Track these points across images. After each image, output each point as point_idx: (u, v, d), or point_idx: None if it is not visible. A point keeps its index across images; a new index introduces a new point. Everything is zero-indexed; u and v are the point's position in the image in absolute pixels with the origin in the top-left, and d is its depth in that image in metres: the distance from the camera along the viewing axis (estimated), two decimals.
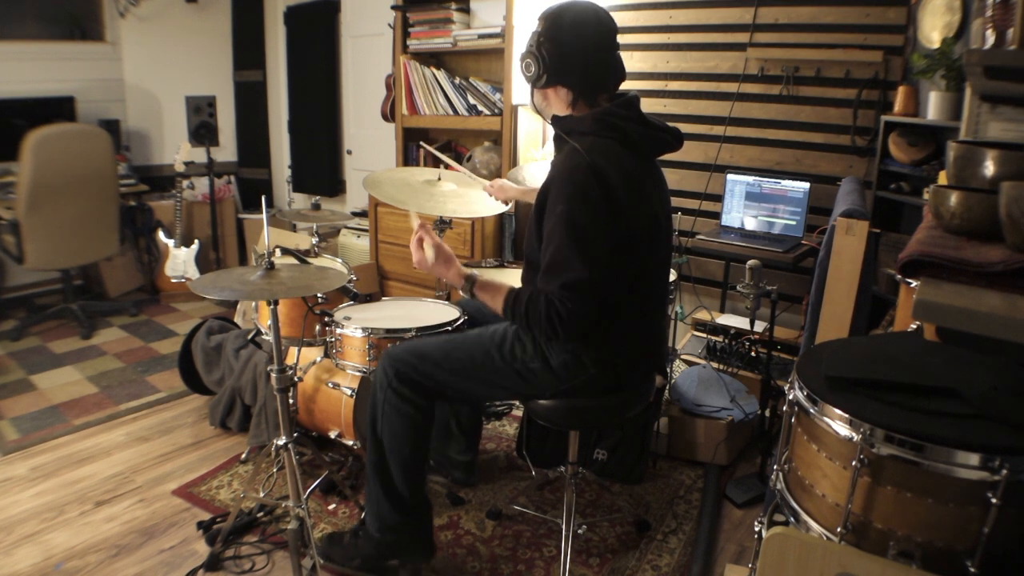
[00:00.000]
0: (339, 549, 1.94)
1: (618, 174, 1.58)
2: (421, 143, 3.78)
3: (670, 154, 1.77)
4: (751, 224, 3.18)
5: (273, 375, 1.85)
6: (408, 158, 3.96)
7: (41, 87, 4.20)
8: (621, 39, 1.70)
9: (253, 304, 2.66)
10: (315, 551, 1.90)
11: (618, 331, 1.70)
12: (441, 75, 3.71)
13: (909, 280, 1.18)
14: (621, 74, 1.72)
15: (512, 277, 2.55)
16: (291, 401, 2.38)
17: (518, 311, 1.63)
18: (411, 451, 1.81)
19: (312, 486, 2.31)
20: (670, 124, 1.75)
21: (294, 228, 4.43)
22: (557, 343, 1.69)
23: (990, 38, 1.36)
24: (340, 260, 2.60)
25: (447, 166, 2.84)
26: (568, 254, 1.54)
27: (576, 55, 1.63)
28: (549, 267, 1.58)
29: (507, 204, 2.55)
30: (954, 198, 1.23)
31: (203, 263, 4.33)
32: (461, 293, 1.76)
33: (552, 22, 1.63)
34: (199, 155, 4.39)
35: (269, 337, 2.03)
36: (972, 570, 1.01)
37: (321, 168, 4.98)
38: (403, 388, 1.77)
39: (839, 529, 1.12)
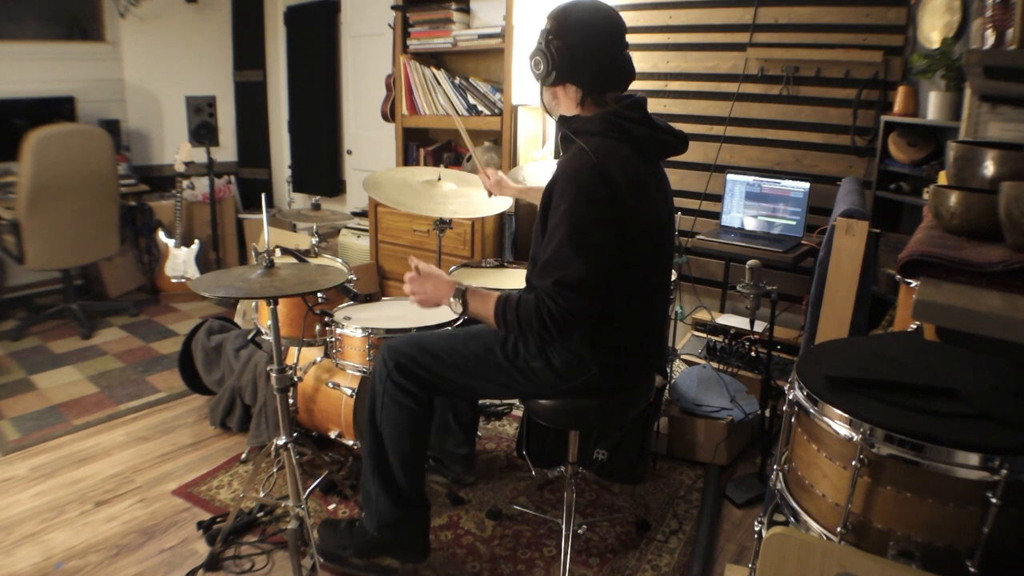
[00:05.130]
0: (334, 535, 1.94)
1: (624, 176, 1.58)
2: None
3: None
4: (751, 224, 3.18)
5: (273, 375, 1.85)
6: (408, 158, 3.96)
7: (41, 87, 4.20)
8: None
9: (253, 304, 2.66)
10: (315, 550, 1.90)
11: (622, 331, 1.70)
12: (441, 75, 3.71)
13: (909, 280, 1.18)
14: (631, 72, 1.71)
15: (512, 277, 2.56)
16: (291, 401, 2.38)
17: (509, 317, 1.61)
18: (410, 444, 1.81)
19: (312, 486, 2.30)
20: (673, 126, 1.75)
21: (294, 228, 4.43)
22: (552, 343, 1.68)
23: (990, 38, 1.36)
24: (340, 260, 2.60)
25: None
26: (567, 252, 1.54)
27: (585, 52, 1.62)
28: (546, 264, 1.58)
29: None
30: (954, 198, 1.23)
31: (203, 263, 4.33)
32: (452, 308, 1.71)
33: (561, 20, 1.62)
34: (199, 155, 4.39)
35: (269, 337, 2.03)
36: (972, 570, 1.01)
37: (321, 168, 4.98)
38: (403, 380, 1.76)
39: (839, 529, 1.12)
